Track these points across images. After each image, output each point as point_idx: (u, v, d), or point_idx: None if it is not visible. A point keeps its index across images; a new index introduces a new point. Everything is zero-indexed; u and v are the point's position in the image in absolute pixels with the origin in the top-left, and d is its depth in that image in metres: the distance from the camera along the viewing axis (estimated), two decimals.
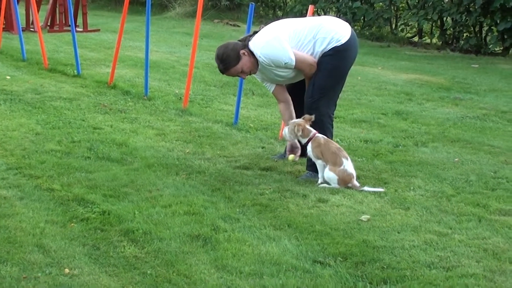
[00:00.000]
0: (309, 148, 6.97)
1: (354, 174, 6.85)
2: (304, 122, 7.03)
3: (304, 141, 7.04)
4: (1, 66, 13.73)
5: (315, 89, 7.12)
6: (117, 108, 10.11)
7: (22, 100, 10.45)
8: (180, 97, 10.81)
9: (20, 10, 16.25)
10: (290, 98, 7.46)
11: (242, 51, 7.15)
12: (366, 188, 6.75)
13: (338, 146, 7.02)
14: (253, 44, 7.13)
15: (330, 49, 7.07)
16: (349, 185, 6.78)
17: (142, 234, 5.50)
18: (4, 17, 16.70)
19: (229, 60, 7.18)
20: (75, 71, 12.89)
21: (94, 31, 20.43)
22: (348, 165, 6.81)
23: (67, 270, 4.88)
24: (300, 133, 6.99)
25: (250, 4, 9.02)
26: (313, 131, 7.01)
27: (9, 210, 5.95)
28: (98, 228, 5.64)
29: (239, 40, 7.32)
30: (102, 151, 7.82)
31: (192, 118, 9.60)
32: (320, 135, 7.01)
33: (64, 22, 20.19)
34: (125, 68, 13.64)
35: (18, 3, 15.36)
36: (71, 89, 11.43)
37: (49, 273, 4.83)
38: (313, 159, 6.98)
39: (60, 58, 14.78)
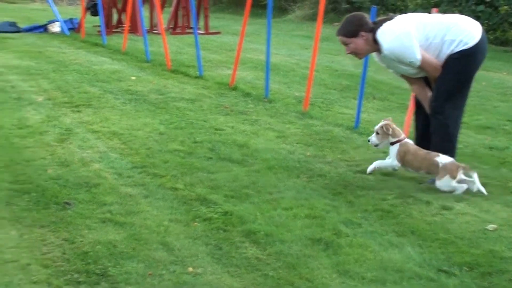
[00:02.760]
0: (394, 149, 6.93)
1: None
2: (392, 122, 7.03)
3: (392, 140, 6.98)
4: (126, 67, 14.10)
5: (439, 92, 6.98)
6: (238, 109, 10.20)
7: (146, 100, 10.68)
8: (300, 100, 10.81)
9: (144, 13, 16.60)
10: (421, 79, 7.30)
11: (363, 33, 7.03)
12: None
13: (426, 151, 6.93)
14: (381, 35, 6.94)
15: (456, 52, 6.88)
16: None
17: (264, 236, 5.52)
18: (130, 20, 17.12)
19: (346, 30, 7.07)
20: (197, 73, 13.11)
21: (215, 33, 20.70)
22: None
23: (190, 269, 4.95)
24: (390, 131, 6.96)
25: (371, 8, 8.91)
26: (403, 134, 6.99)
27: (134, 208, 6.08)
28: (220, 228, 5.69)
29: (374, 22, 7.14)
30: (223, 152, 7.90)
31: (312, 121, 9.59)
32: (410, 141, 6.99)
33: (186, 24, 20.53)
34: (246, 70, 13.76)
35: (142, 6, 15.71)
36: (193, 90, 11.61)
37: (173, 271, 4.90)
38: (392, 158, 6.94)
39: (183, 59, 15.06)
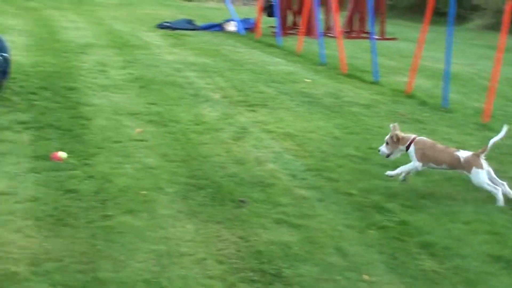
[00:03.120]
0: (411, 151, 6.81)
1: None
2: (397, 130, 6.93)
3: (403, 147, 6.90)
4: (301, 68, 14.14)
5: None
6: (414, 118, 9.97)
7: (320, 103, 10.64)
8: (479, 111, 10.42)
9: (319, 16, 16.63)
10: None
11: None
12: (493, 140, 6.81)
13: (445, 145, 7.00)
14: None
15: None
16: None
17: (441, 249, 5.33)
18: (305, 22, 17.17)
19: None
20: (372, 78, 12.94)
21: (391, 39, 20.45)
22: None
23: (365, 276, 4.84)
24: (398, 140, 6.88)
25: None
26: (412, 135, 6.91)
27: (309, 211, 6.03)
28: (395, 237, 5.54)
29: None
30: (400, 160, 7.71)
31: (492, 134, 9.17)
32: (424, 138, 6.95)
33: (361, 28, 20.39)
34: (422, 78, 13.45)
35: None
36: (368, 96, 11.47)
37: (348, 278, 4.81)
38: (413, 160, 6.79)
39: (357, 64, 14.92)
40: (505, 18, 9.61)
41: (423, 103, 11.05)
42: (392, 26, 23.92)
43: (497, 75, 9.97)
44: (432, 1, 11.15)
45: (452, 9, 10.55)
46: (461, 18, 24.88)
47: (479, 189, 6.79)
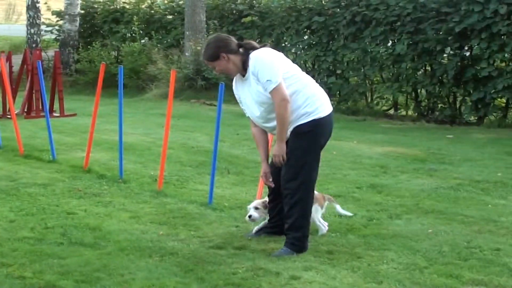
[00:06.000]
0: None
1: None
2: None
3: None
4: None
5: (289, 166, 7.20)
6: (91, 192, 10.07)
7: None
8: (156, 179, 10.74)
9: None
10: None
11: (223, 55, 7.20)
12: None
13: None
14: (255, 52, 7.23)
15: (308, 122, 7.13)
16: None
17: None
18: None
19: (207, 54, 7.30)
20: (50, 157, 12.87)
21: (70, 115, 20.45)
22: None
23: None
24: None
25: (220, 84, 9.14)
26: None
27: None
28: None
29: (244, 45, 7.35)
30: (75, 236, 7.79)
31: (167, 199, 9.58)
32: None
33: (40, 107, 20.20)
34: (101, 151, 13.59)
35: None
36: (46, 175, 11.37)
37: None
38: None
39: (36, 144, 14.70)
40: (171, 87, 10.11)
41: (101, 176, 11.14)
42: (73, 102, 23.80)
43: (168, 141, 10.37)
44: (102, 75, 11.50)
45: (120, 79, 10.90)
46: (140, 89, 25.42)
47: (152, 256, 7.06)
